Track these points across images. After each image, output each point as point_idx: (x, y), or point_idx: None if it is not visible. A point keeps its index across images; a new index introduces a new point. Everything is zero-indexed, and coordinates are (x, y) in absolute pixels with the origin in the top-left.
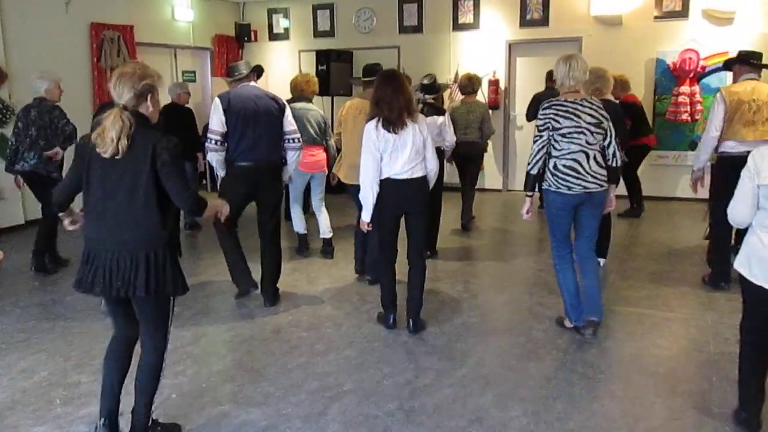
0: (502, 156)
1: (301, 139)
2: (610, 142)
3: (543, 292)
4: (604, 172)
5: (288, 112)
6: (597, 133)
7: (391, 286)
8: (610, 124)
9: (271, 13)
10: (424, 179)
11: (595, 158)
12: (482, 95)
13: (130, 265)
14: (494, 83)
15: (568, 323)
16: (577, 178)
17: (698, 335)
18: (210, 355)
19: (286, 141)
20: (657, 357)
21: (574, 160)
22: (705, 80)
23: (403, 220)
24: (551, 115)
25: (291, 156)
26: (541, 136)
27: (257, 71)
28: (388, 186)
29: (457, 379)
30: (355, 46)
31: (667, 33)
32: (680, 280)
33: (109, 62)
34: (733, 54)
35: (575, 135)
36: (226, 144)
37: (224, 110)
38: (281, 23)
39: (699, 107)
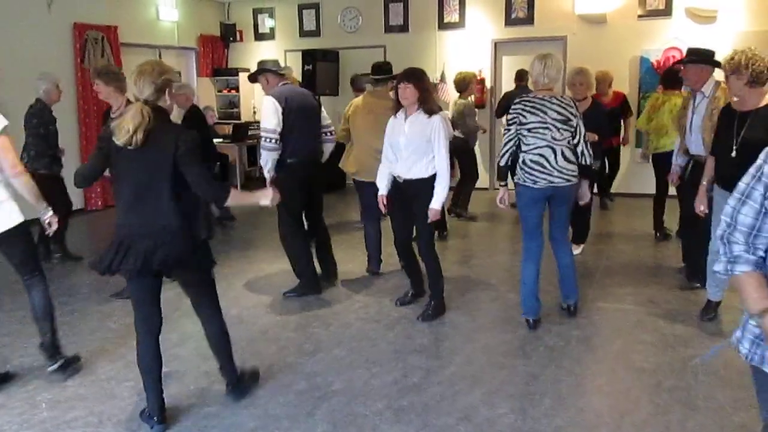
0: (488, 154)
1: (334, 132)
2: (579, 141)
3: None
4: (572, 167)
5: (323, 107)
6: (564, 129)
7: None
8: (580, 123)
9: (256, 12)
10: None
11: (563, 154)
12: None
13: (158, 246)
14: (480, 82)
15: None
16: (542, 173)
17: (683, 331)
18: (197, 356)
19: (325, 134)
20: (643, 353)
21: (540, 155)
22: None
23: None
24: (519, 110)
25: (328, 148)
26: (509, 130)
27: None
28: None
29: (445, 378)
30: (341, 45)
31: (650, 31)
32: (665, 277)
33: (92, 63)
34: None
35: (540, 130)
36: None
37: (283, 110)
38: (267, 23)
39: None
